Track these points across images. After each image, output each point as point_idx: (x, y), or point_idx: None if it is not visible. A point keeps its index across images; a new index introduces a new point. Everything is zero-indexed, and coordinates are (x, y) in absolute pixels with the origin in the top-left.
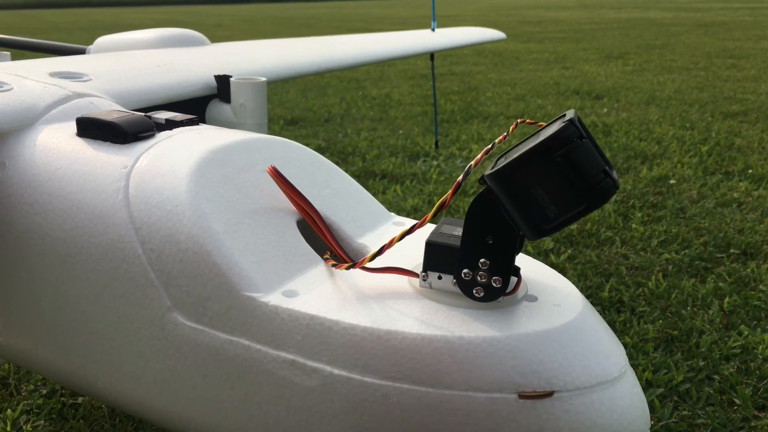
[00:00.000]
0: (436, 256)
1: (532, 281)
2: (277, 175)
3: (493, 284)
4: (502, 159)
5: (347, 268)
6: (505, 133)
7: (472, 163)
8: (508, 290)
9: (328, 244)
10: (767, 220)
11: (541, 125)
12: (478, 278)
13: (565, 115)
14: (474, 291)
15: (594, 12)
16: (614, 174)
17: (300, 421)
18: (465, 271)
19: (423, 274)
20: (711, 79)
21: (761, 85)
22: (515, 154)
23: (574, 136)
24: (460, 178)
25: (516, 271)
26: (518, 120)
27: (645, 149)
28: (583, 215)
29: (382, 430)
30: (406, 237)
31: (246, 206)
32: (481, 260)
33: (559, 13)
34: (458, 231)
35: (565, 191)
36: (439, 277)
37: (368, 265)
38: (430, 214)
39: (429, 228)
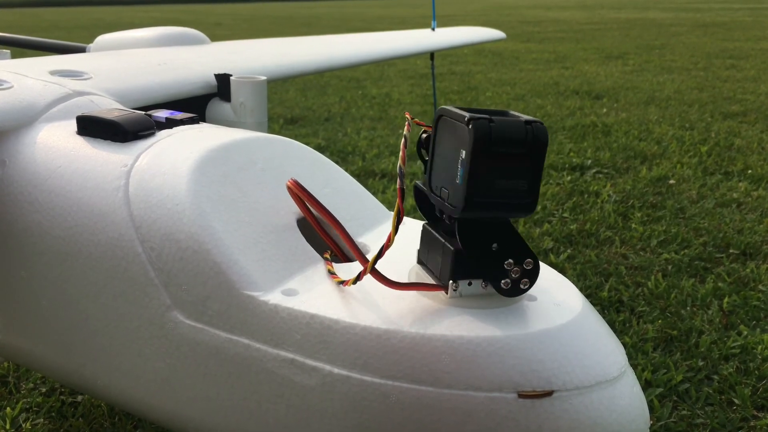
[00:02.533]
0: (464, 263)
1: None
2: (300, 189)
3: (526, 267)
4: (446, 188)
5: (354, 283)
6: (407, 125)
7: (400, 163)
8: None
9: (358, 259)
10: (766, 220)
11: (428, 129)
12: (512, 275)
13: (465, 118)
14: (521, 286)
15: (594, 12)
16: (535, 118)
17: (299, 420)
18: (504, 281)
19: (453, 284)
20: (710, 80)
21: (761, 86)
22: (458, 179)
23: (485, 128)
24: (398, 183)
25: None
26: (408, 116)
27: (644, 149)
28: (542, 168)
29: (382, 429)
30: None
31: (246, 205)
32: (506, 262)
33: (559, 13)
34: None
35: (517, 164)
36: (470, 284)
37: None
38: (392, 230)
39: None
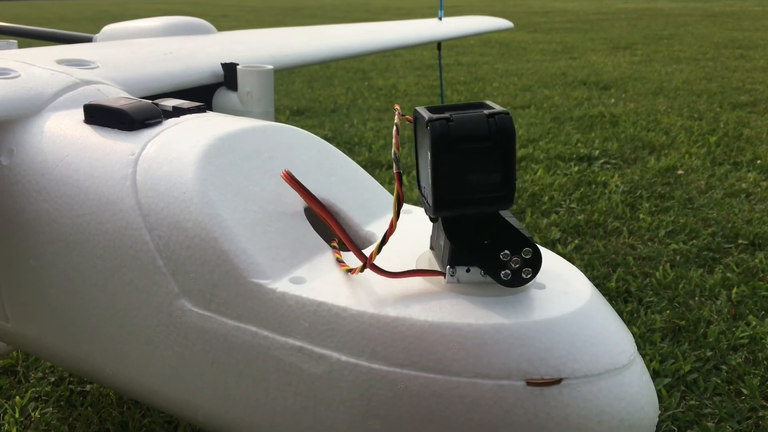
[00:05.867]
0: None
1: (541, 269)
2: (292, 181)
3: (525, 256)
4: (426, 187)
5: (361, 270)
6: (398, 116)
7: (395, 149)
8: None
9: (348, 246)
10: None
11: (408, 119)
12: (512, 266)
13: (426, 118)
14: (523, 275)
15: (601, 2)
16: (502, 109)
17: (307, 407)
18: (504, 272)
19: (450, 269)
20: (719, 70)
21: None
22: (430, 180)
23: (443, 127)
24: (395, 168)
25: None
26: (396, 109)
27: (653, 140)
28: (513, 158)
29: (390, 417)
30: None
31: (253, 193)
32: (502, 253)
33: (566, 3)
34: None
35: (485, 158)
36: (468, 270)
37: (385, 268)
38: (394, 218)
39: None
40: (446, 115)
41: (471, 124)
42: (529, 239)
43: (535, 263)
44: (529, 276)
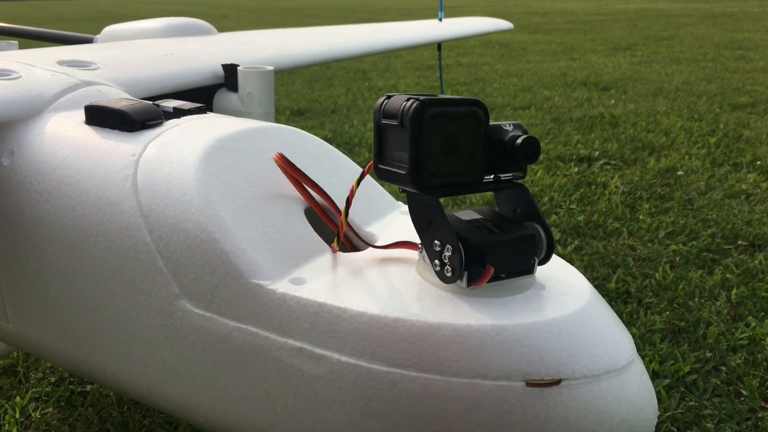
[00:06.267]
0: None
1: (541, 270)
2: (285, 163)
3: (446, 252)
4: None
5: (339, 243)
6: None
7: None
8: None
9: (338, 226)
10: None
11: None
12: (443, 258)
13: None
14: (445, 272)
15: (602, 3)
16: (424, 98)
17: (307, 408)
18: (434, 261)
19: (420, 246)
20: (719, 71)
21: None
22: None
23: (380, 104)
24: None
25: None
26: None
27: (652, 140)
28: (421, 144)
29: (389, 418)
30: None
31: (254, 194)
32: (433, 242)
33: (566, 3)
34: (469, 216)
35: (398, 136)
36: None
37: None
38: (357, 180)
39: None
40: (393, 95)
41: (393, 105)
42: (455, 238)
43: (455, 262)
44: (449, 275)
